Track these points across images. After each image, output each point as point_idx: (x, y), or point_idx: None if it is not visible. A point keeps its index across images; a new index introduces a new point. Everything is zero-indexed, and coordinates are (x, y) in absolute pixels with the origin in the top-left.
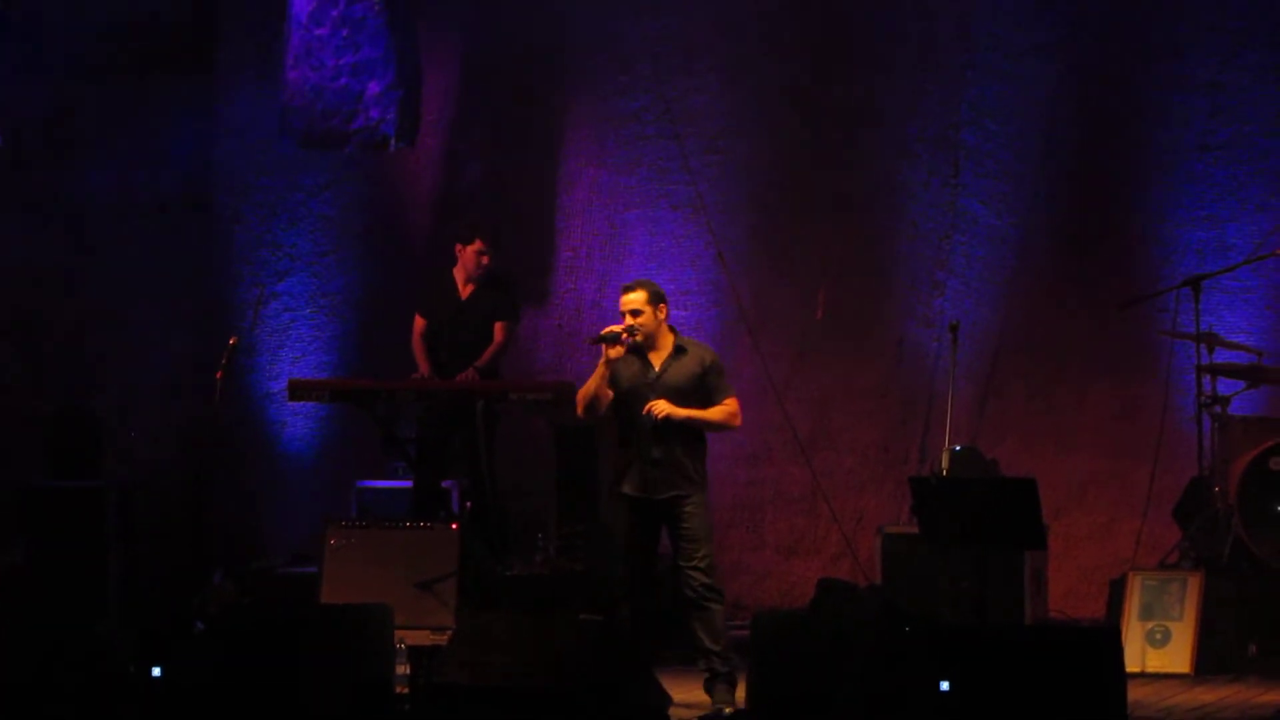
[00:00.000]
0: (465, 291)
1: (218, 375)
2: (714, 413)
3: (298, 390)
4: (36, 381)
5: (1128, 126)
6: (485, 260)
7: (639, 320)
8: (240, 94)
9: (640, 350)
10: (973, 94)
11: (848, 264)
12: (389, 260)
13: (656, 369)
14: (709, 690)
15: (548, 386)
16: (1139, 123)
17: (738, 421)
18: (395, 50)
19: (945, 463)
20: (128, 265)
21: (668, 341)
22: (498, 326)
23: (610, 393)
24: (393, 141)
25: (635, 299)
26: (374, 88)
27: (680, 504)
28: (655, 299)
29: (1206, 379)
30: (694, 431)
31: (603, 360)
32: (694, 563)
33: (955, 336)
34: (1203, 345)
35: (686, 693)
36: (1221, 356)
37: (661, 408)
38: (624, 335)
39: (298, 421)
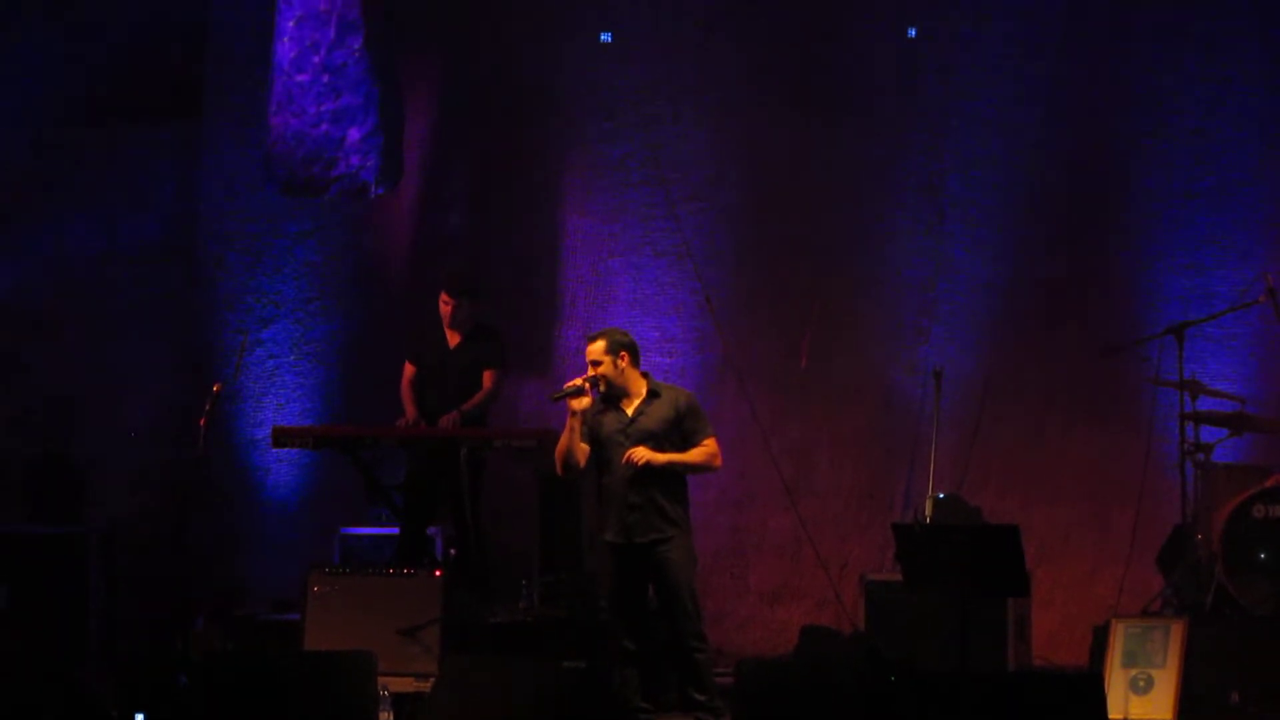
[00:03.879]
0: (453, 340)
1: (201, 422)
2: (693, 455)
3: (282, 437)
4: (18, 427)
5: (1112, 174)
6: (448, 310)
7: (599, 370)
8: (225, 140)
9: (613, 399)
10: (957, 142)
11: (833, 311)
12: (373, 307)
13: (630, 415)
14: None
15: (531, 434)
16: (1123, 170)
17: (718, 462)
18: (376, 97)
19: (929, 509)
20: (111, 311)
21: (640, 388)
22: (486, 374)
23: (585, 447)
24: (373, 188)
25: (594, 349)
26: (354, 134)
27: (661, 546)
28: (614, 348)
29: (1190, 426)
30: (672, 475)
31: (569, 415)
32: (678, 609)
33: (939, 383)
34: (1186, 392)
35: None
36: (1205, 404)
37: (640, 454)
38: (585, 386)
39: (281, 468)
